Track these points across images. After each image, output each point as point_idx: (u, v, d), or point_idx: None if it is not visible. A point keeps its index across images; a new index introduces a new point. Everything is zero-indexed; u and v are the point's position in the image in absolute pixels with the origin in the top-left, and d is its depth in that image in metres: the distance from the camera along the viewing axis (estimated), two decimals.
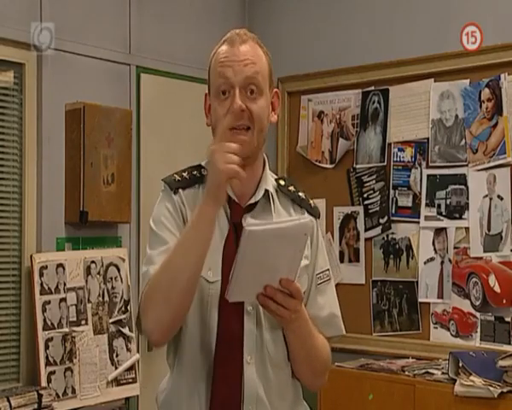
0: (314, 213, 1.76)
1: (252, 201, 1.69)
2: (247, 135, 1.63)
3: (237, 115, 1.62)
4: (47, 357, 3.15)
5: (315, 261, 1.74)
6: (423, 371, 3.24)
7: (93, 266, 3.36)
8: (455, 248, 3.50)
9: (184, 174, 1.73)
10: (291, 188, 1.76)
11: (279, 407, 1.68)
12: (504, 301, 3.33)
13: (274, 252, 1.46)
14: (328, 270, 1.77)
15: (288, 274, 1.51)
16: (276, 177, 1.78)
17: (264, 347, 1.65)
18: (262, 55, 1.69)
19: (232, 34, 1.70)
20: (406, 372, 3.27)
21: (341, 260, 3.82)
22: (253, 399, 1.63)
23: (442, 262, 3.54)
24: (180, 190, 1.70)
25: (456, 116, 3.53)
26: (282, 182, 1.76)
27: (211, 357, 1.63)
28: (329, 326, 1.75)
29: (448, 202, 3.54)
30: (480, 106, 3.44)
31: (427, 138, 3.61)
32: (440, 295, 3.53)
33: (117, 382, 3.37)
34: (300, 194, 1.76)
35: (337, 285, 1.86)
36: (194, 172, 1.73)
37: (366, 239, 3.79)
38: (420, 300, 3.60)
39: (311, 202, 1.78)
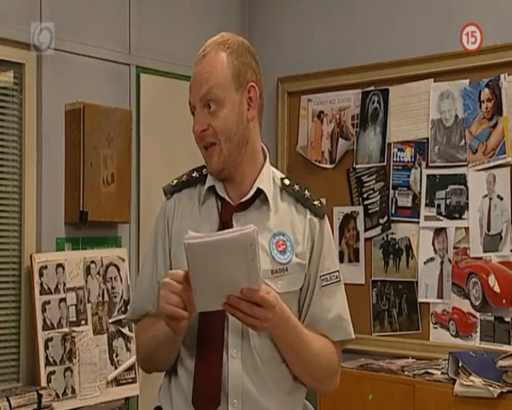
0: (318, 212, 1.74)
1: (242, 200, 1.70)
2: (214, 152, 1.68)
3: (200, 137, 1.70)
4: (47, 357, 3.15)
5: (318, 262, 1.73)
6: (423, 371, 3.24)
7: (93, 266, 3.36)
8: (454, 248, 3.50)
9: (183, 177, 1.79)
10: (295, 187, 1.75)
11: (272, 402, 1.66)
12: (504, 301, 3.33)
13: (223, 263, 1.47)
14: (336, 272, 1.75)
15: (248, 284, 1.49)
16: (282, 176, 1.78)
17: (251, 341, 1.64)
18: (223, 61, 1.69)
19: (200, 50, 1.75)
20: (406, 372, 3.27)
21: (341, 261, 3.82)
22: (237, 392, 1.63)
23: (442, 262, 3.54)
24: (174, 195, 1.76)
25: (456, 116, 3.53)
26: (286, 181, 1.77)
27: (193, 353, 1.65)
28: (336, 330, 1.73)
29: (448, 202, 3.54)
30: (480, 106, 3.44)
31: (427, 138, 3.61)
32: (440, 295, 3.53)
33: (117, 382, 3.37)
34: (305, 193, 1.75)
35: None
36: (194, 174, 1.78)
37: (366, 239, 3.79)
38: (420, 300, 3.60)
39: (317, 201, 1.75)
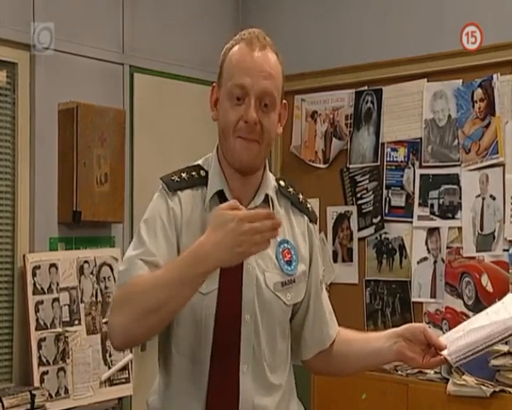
0: (312, 217, 1.77)
1: (252, 205, 1.66)
2: (254, 148, 1.61)
3: (250, 128, 1.59)
4: (40, 357, 3.14)
5: (318, 267, 1.76)
6: (416, 370, 3.24)
7: (86, 265, 3.36)
8: (448, 247, 3.51)
9: (183, 175, 1.68)
10: (290, 190, 1.75)
11: None
12: (497, 301, 3.34)
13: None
14: (324, 269, 1.81)
15: None
16: (275, 177, 1.78)
17: (262, 354, 1.64)
18: (278, 66, 1.66)
19: (251, 35, 1.66)
20: (399, 372, 3.27)
21: (335, 260, 3.82)
22: (248, 408, 1.62)
23: (435, 262, 3.55)
24: (178, 192, 1.64)
25: (449, 116, 3.54)
26: (282, 183, 1.76)
27: (206, 367, 1.60)
28: (333, 324, 1.79)
29: (441, 201, 3.55)
30: (473, 106, 3.45)
31: (420, 138, 3.62)
32: (433, 295, 3.54)
33: (110, 382, 3.37)
34: (300, 197, 1.76)
35: (330, 285, 1.88)
36: (193, 173, 1.69)
37: (359, 239, 3.80)
38: (413, 299, 3.60)
39: (309, 205, 1.78)
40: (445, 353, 1.60)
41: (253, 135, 1.60)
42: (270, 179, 1.74)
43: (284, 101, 1.70)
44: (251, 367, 1.62)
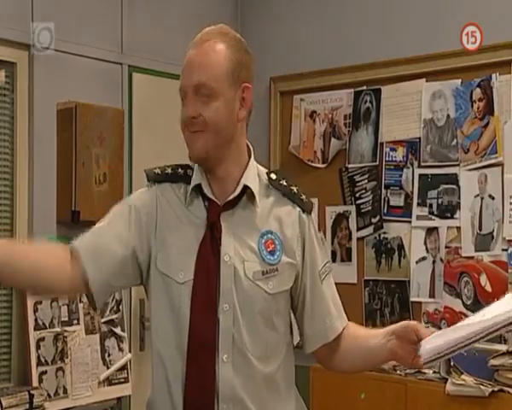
0: (306, 207, 1.73)
1: (229, 198, 1.68)
2: (201, 137, 1.64)
3: (189, 123, 1.65)
4: (38, 357, 3.14)
5: (315, 259, 1.73)
6: (415, 369, 3.24)
7: None
8: (446, 247, 3.51)
9: (167, 169, 1.74)
10: (282, 182, 1.73)
11: (262, 405, 1.66)
12: (496, 301, 3.34)
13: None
14: (328, 261, 1.78)
15: None
16: (267, 171, 1.76)
17: (243, 343, 1.63)
18: (221, 53, 1.65)
19: (198, 36, 1.70)
20: (398, 371, 3.27)
21: (333, 260, 3.82)
22: (228, 398, 1.61)
23: (434, 262, 3.55)
24: (156, 184, 1.71)
25: (448, 116, 3.54)
26: (273, 176, 1.74)
27: (183, 356, 1.62)
28: (339, 316, 1.76)
29: (440, 201, 3.55)
30: (472, 106, 3.46)
31: (419, 138, 3.62)
32: (432, 295, 3.54)
33: (109, 381, 3.37)
34: (292, 188, 1.74)
35: None
36: (178, 170, 1.73)
37: (358, 239, 3.80)
38: (412, 299, 3.61)
39: (304, 196, 1.75)
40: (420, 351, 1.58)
41: (195, 128, 1.65)
42: (255, 172, 1.72)
43: (245, 84, 1.67)
44: (232, 357, 1.61)
